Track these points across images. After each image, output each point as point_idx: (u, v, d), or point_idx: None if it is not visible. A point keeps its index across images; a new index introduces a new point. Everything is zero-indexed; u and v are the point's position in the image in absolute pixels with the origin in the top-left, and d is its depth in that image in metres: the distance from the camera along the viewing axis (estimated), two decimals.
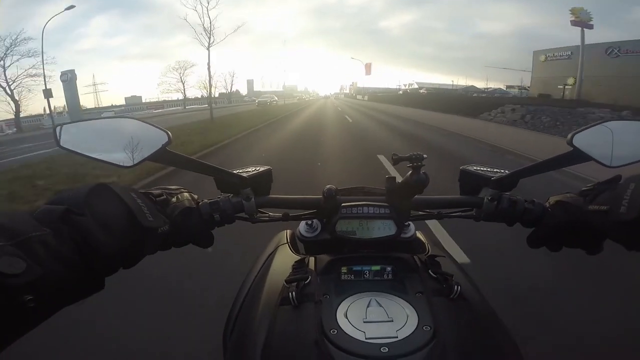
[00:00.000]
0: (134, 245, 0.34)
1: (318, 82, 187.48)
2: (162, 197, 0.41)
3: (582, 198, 0.43)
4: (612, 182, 0.40)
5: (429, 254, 0.52)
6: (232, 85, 54.80)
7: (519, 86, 48.59)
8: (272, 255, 0.58)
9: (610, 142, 0.40)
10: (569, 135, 0.39)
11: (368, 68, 55.16)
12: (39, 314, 0.26)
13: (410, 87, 65.04)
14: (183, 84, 44.61)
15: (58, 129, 0.38)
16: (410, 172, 0.42)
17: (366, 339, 0.36)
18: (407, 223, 0.55)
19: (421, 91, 49.31)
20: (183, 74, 44.86)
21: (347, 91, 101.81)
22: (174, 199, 0.42)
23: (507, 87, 51.21)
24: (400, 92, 53.85)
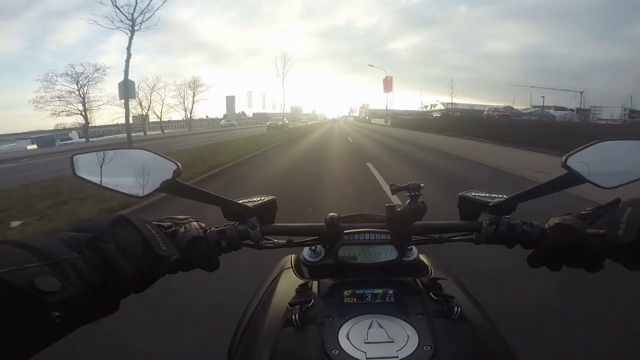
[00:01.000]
0: (149, 272, 0.38)
1: (326, 105, 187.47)
2: (172, 229, 0.45)
3: (582, 221, 0.45)
4: (611, 206, 0.42)
5: (432, 276, 0.54)
6: (192, 104, 39.85)
7: (543, 106, 47.64)
8: (276, 278, 0.61)
9: (605, 163, 0.42)
10: (564, 157, 0.42)
11: (387, 83, 44.32)
12: (61, 330, 0.29)
13: (434, 109, 55.61)
14: (83, 97, 26.91)
15: (73, 158, 0.43)
16: (409, 201, 0.46)
17: (367, 358, 0.38)
18: (409, 247, 0.59)
19: (485, 114, 36.77)
20: (84, 85, 27.11)
21: (357, 114, 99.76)
22: (181, 229, 0.47)
23: (533, 107, 50.36)
24: (435, 114, 40.50)
